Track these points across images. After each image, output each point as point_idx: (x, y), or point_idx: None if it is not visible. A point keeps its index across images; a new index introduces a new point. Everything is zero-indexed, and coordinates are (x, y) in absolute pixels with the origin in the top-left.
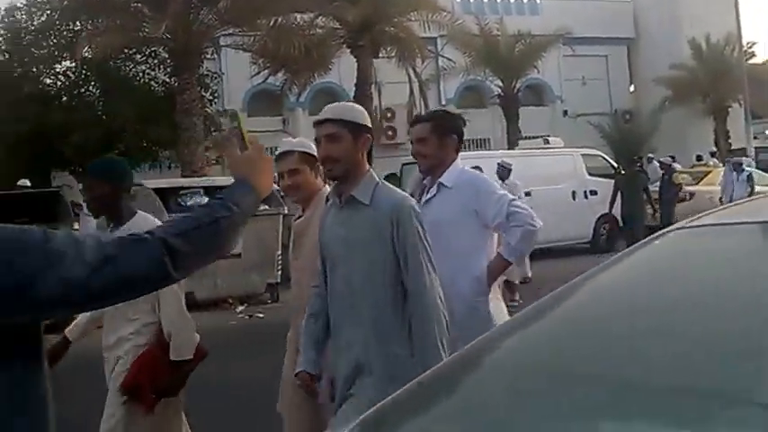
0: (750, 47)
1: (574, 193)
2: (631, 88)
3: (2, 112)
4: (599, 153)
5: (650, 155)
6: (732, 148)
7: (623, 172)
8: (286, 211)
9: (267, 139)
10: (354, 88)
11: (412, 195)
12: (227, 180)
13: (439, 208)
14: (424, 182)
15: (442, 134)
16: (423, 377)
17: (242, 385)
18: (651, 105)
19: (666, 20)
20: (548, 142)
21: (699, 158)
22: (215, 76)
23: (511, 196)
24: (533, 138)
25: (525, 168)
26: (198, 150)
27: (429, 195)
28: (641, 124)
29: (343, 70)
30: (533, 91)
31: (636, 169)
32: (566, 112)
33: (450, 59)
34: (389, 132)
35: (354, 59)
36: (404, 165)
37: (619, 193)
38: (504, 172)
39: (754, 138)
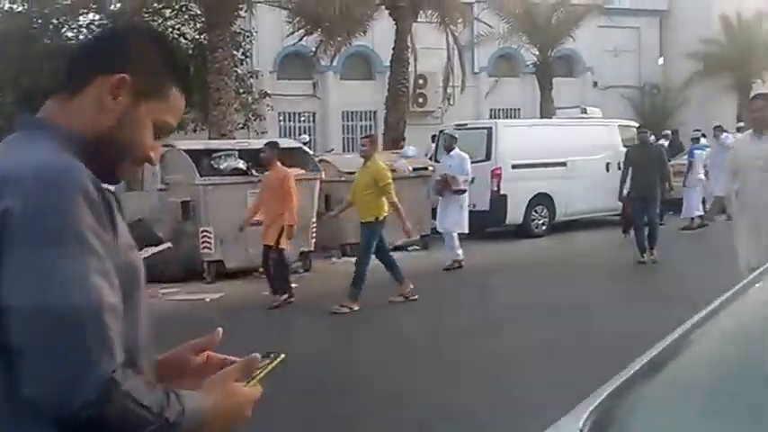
0: None
1: (608, 164)
2: (660, 61)
3: (18, 64)
4: (635, 124)
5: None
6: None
7: (636, 143)
8: (323, 177)
9: (296, 103)
10: (392, 52)
11: None
12: (261, 143)
13: None
14: None
15: None
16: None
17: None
18: (679, 79)
19: None
20: (585, 112)
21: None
22: (247, 34)
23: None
24: (565, 108)
25: (563, 138)
26: (228, 112)
27: None
28: (669, 98)
29: (377, 34)
30: (564, 62)
31: (651, 142)
32: (595, 84)
33: (489, 25)
34: (420, 100)
35: (393, 23)
36: (441, 132)
37: (630, 168)
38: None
39: None
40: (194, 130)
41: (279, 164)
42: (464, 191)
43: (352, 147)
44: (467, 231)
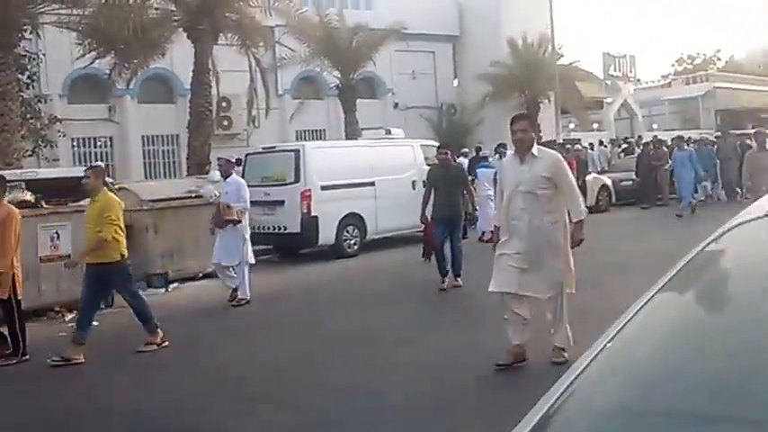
0: (560, 48)
1: (414, 182)
2: (455, 83)
3: None
4: (435, 143)
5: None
6: (543, 140)
7: (436, 164)
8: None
9: (91, 128)
10: (192, 75)
11: None
12: (50, 172)
13: None
14: None
15: None
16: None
17: None
18: (474, 100)
19: (488, 19)
20: (389, 132)
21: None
22: (33, 57)
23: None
24: (370, 129)
25: (370, 158)
26: (13, 139)
27: None
28: (466, 117)
29: (177, 57)
30: (366, 84)
31: (452, 162)
32: (396, 105)
33: (290, 49)
34: (225, 123)
35: (191, 45)
36: (248, 155)
37: (433, 190)
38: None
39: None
40: None
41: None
42: (237, 221)
43: (154, 173)
44: (252, 262)
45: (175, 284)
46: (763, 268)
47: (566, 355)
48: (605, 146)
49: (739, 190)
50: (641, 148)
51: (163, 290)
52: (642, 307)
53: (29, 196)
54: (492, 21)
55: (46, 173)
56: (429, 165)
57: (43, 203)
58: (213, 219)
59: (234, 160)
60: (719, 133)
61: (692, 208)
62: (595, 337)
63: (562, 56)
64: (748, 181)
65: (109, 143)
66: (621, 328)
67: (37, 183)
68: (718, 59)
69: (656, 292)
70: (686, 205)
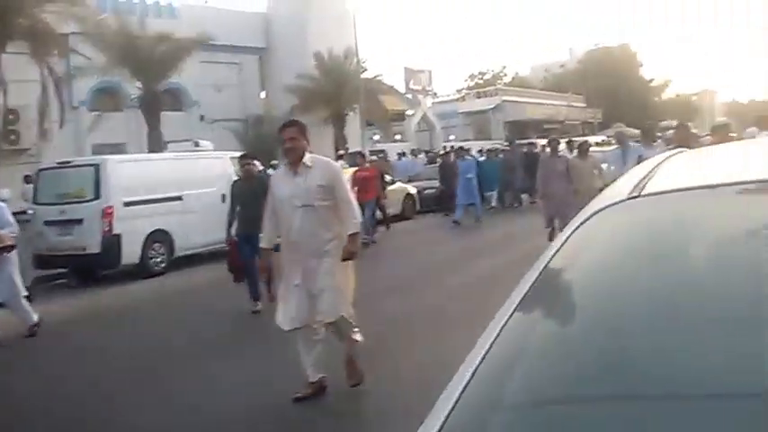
0: (364, 62)
1: (223, 196)
2: (262, 95)
3: None
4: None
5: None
6: (350, 151)
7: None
8: None
9: None
10: None
11: None
12: None
13: None
14: None
15: None
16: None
17: None
18: (282, 112)
19: (295, 33)
20: (198, 145)
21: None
22: None
23: None
24: (177, 142)
25: (178, 171)
26: None
27: None
28: (274, 129)
29: None
30: (171, 95)
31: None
32: (202, 117)
33: (86, 57)
34: (12, 137)
35: None
36: (40, 170)
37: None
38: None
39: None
40: None
41: None
42: (12, 247)
43: None
44: (25, 293)
45: None
46: (633, 251)
47: (361, 374)
48: (416, 156)
49: (525, 197)
50: (443, 157)
51: None
52: (524, 297)
53: None
54: (298, 34)
55: None
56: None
57: None
58: None
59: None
60: (508, 143)
61: (476, 217)
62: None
63: (366, 69)
64: (542, 185)
65: None
66: (506, 322)
67: None
68: (506, 75)
69: (528, 287)
70: (478, 213)
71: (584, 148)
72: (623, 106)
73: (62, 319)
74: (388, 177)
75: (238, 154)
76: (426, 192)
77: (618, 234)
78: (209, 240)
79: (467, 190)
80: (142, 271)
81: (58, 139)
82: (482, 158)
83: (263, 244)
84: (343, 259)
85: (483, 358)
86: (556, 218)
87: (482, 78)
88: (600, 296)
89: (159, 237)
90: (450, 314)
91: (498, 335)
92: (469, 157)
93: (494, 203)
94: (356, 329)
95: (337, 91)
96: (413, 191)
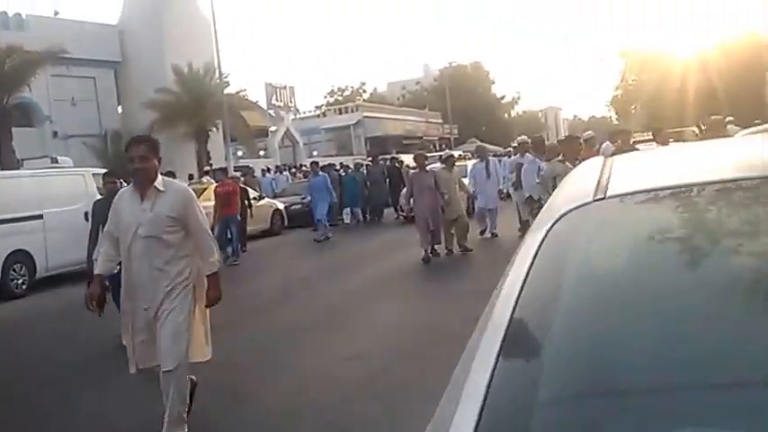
0: (226, 77)
1: (86, 214)
2: (119, 110)
3: None
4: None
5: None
6: (214, 167)
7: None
8: None
9: None
10: None
11: None
12: None
13: None
14: None
15: None
16: None
17: None
18: (141, 126)
19: (150, 45)
20: (56, 161)
21: (190, 177)
22: None
23: None
24: (32, 159)
25: (37, 189)
26: None
27: None
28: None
29: None
30: (22, 111)
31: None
32: (56, 133)
33: None
34: None
35: None
36: None
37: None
38: None
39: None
40: None
41: None
42: None
43: None
44: None
45: None
46: (616, 248)
47: None
48: (281, 172)
49: (395, 209)
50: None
51: None
52: (520, 296)
53: None
54: (154, 47)
55: None
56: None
57: None
58: None
59: None
60: (371, 158)
61: (325, 235)
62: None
63: (228, 84)
64: (410, 199)
65: None
66: (508, 325)
67: None
68: (365, 91)
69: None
70: (322, 230)
71: (450, 161)
72: (477, 122)
73: None
74: (254, 193)
75: (100, 171)
76: (293, 207)
77: (595, 234)
78: (74, 259)
79: (320, 206)
80: (2, 293)
81: None
82: (344, 174)
83: (97, 270)
84: (207, 305)
85: (495, 363)
86: (430, 223)
87: (341, 95)
88: (598, 292)
89: (20, 257)
90: (313, 334)
91: (504, 338)
92: (322, 173)
93: (347, 220)
94: (190, 382)
95: (198, 106)
96: (281, 206)
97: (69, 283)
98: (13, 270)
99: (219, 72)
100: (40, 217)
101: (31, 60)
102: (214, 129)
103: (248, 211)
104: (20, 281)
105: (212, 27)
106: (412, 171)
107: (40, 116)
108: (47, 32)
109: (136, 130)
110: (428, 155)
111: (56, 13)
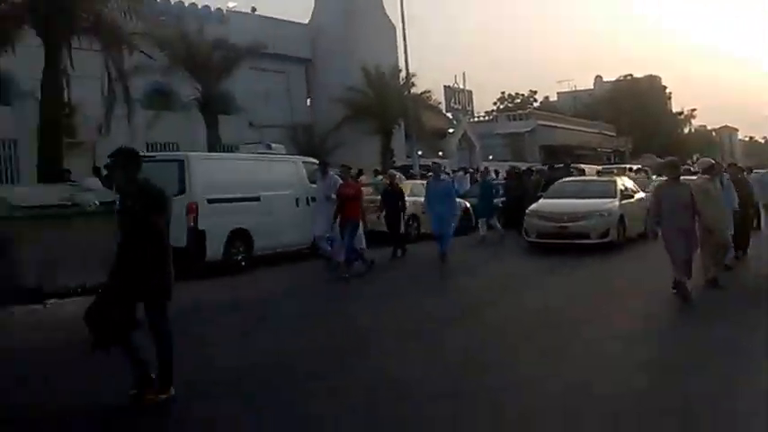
0: (413, 77)
1: (297, 200)
2: (308, 103)
3: None
4: (315, 160)
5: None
6: (396, 165)
7: None
8: None
9: None
10: (43, 78)
11: None
12: None
13: None
14: None
15: None
16: None
17: None
18: (328, 121)
19: (340, 45)
20: (270, 147)
21: (376, 173)
22: None
23: None
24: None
25: (257, 172)
26: None
27: None
28: (322, 138)
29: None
30: (221, 100)
31: None
32: (251, 123)
33: (150, 56)
34: (69, 131)
35: (39, 44)
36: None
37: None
38: None
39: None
40: None
41: None
42: None
43: None
44: None
45: (53, 300)
46: None
47: None
48: (468, 173)
49: None
50: (506, 176)
51: (41, 305)
52: None
53: None
54: (343, 47)
55: None
56: (312, 182)
57: None
58: None
59: None
60: (547, 166)
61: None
62: None
63: (414, 85)
64: (656, 220)
65: None
66: None
67: None
68: (535, 100)
69: None
70: (442, 247)
71: (714, 170)
72: (650, 136)
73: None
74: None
75: (309, 159)
76: None
77: None
78: (285, 242)
79: (438, 218)
80: (224, 268)
81: (112, 135)
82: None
83: None
84: None
85: None
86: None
87: (512, 102)
88: None
89: (240, 235)
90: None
91: None
92: (445, 177)
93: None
94: None
95: (384, 104)
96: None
97: (281, 264)
98: (235, 246)
99: (407, 73)
100: (258, 199)
101: (233, 54)
102: (396, 126)
103: (401, 213)
104: (239, 257)
105: (399, 30)
106: (657, 183)
107: (235, 106)
108: (245, 27)
109: (325, 124)
110: (607, 166)
111: (253, 10)
